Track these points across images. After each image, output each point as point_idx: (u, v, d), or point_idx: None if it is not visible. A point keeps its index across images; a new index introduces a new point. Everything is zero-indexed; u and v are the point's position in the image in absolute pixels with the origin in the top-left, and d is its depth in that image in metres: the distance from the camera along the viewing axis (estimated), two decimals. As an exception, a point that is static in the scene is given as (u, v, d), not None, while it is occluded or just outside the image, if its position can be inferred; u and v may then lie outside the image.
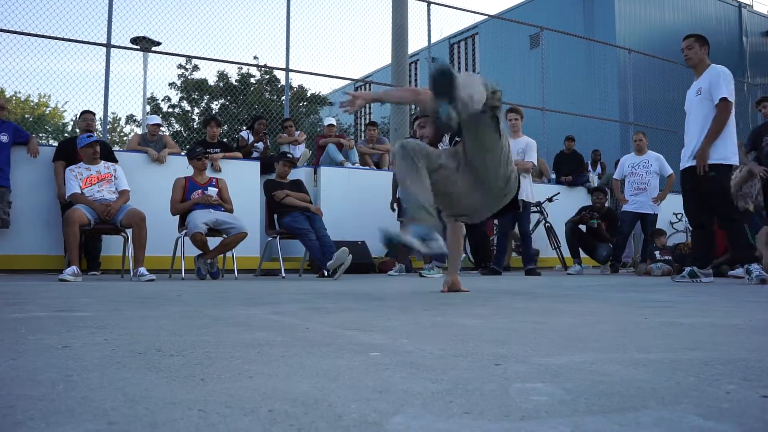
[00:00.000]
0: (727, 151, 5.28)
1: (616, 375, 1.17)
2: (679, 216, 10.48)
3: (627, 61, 14.34)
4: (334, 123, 9.82)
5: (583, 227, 8.75)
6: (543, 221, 9.31)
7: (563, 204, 9.58)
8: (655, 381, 1.11)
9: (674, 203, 9.40)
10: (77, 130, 7.51)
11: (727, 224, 5.38)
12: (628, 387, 1.05)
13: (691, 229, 5.75)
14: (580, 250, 8.58)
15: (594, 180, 11.32)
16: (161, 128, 8.60)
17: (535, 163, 7.87)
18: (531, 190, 7.71)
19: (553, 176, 11.26)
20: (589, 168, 11.82)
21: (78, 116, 7.84)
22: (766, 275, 5.03)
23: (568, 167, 11.06)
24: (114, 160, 6.70)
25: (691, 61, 5.53)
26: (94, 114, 7.43)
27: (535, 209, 8.96)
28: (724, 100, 5.23)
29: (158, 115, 20.88)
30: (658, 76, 16.04)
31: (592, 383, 1.08)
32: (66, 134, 6.84)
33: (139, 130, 22.21)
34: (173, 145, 8.14)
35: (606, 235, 8.59)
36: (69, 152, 6.89)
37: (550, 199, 9.34)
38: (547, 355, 1.41)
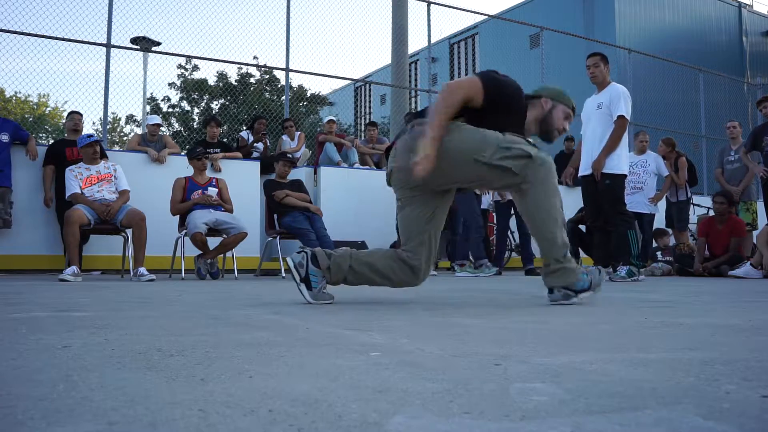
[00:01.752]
0: (621, 161, 5.80)
1: (616, 375, 1.17)
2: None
3: (627, 61, 14.33)
4: (334, 119, 9.81)
5: (583, 227, 8.74)
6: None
7: (564, 204, 9.57)
8: (655, 381, 1.11)
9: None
10: (66, 134, 7.51)
11: (614, 227, 5.79)
12: (628, 387, 1.05)
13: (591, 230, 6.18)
14: (580, 250, 8.58)
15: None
16: (161, 128, 8.60)
17: None
18: None
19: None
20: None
21: (66, 117, 7.85)
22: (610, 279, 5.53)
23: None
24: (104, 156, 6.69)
25: (596, 79, 5.97)
26: (81, 114, 7.42)
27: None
28: (621, 117, 5.73)
29: (158, 115, 20.90)
30: (657, 76, 16.04)
31: (592, 383, 1.08)
32: (65, 134, 6.85)
33: (139, 130, 22.22)
34: (173, 145, 8.13)
35: (606, 235, 8.58)
36: (58, 155, 6.89)
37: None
38: (547, 355, 1.41)
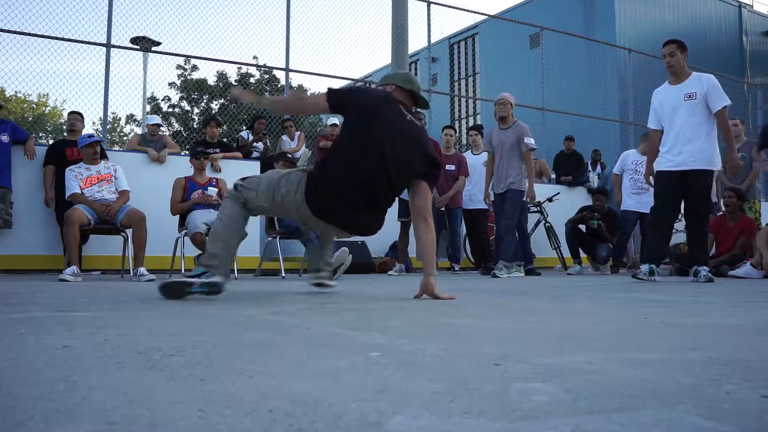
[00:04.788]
0: (718, 158, 5.60)
1: (616, 375, 1.17)
2: (679, 216, 10.47)
3: (627, 61, 14.33)
4: (337, 123, 9.79)
5: (583, 227, 8.75)
6: (543, 221, 9.31)
7: (563, 204, 9.58)
8: (656, 381, 1.11)
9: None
10: (66, 134, 7.52)
11: (702, 226, 5.67)
12: (628, 387, 1.05)
13: (657, 229, 5.91)
14: (580, 250, 8.59)
15: (594, 180, 11.31)
16: (161, 128, 8.59)
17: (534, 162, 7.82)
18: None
19: (553, 176, 11.26)
20: (589, 168, 11.82)
21: (66, 117, 7.86)
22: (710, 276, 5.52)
23: (568, 167, 11.06)
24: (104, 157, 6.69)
25: (674, 68, 5.67)
26: (81, 115, 7.42)
27: (535, 209, 8.96)
28: (725, 108, 5.45)
29: (158, 114, 20.88)
30: (658, 76, 15.98)
31: (592, 383, 1.08)
32: (65, 134, 6.86)
33: (139, 130, 22.23)
34: (173, 144, 8.14)
35: (606, 235, 8.58)
36: (58, 155, 6.90)
37: (550, 199, 9.34)
38: (547, 355, 1.41)
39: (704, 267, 5.56)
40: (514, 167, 6.82)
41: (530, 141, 6.85)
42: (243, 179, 3.43)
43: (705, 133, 5.49)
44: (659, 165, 5.75)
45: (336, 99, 3.34)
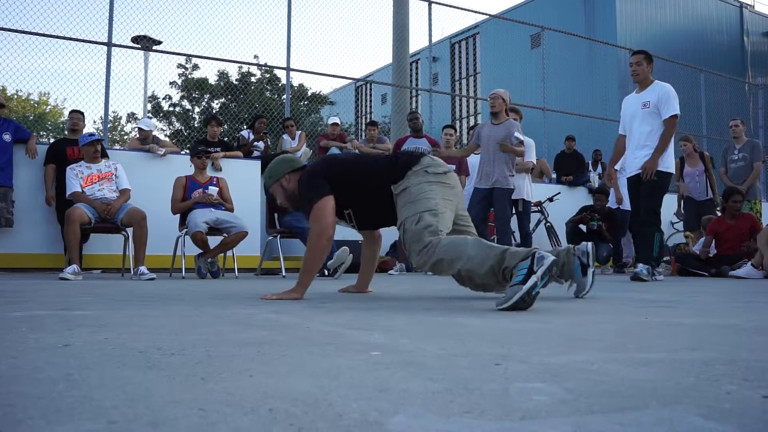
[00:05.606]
0: (671, 160, 5.83)
1: (617, 375, 1.16)
2: (680, 217, 10.47)
3: (628, 61, 14.31)
4: (338, 122, 9.79)
5: (583, 227, 8.75)
6: (543, 221, 9.31)
7: (564, 204, 9.58)
8: (656, 381, 1.10)
9: (673, 203, 9.41)
10: (66, 132, 7.52)
11: (644, 225, 5.80)
12: (629, 387, 1.05)
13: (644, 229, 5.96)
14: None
15: (595, 180, 11.31)
16: (152, 132, 8.51)
17: (534, 162, 7.83)
18: (530, 190, 7.69)
19: (554, 176, 11.26)
20: (590, 168, 11.81)
21: (67, 116, 7.88)
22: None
23: (568, 167, 11.06)
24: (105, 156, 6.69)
25: (639, 77, 5.93)
26: (82, 113, 7.42)
27: (535, 209, 8.96)
28: (674, 116, 5.68)
29: (155, 117, 20.89)
30: (658, 76, 16.02)
31: (592, 383, 1.08)
32: (65, 133, 6.87)
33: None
34: (171, 145, 8.16)
35: (607, 235, 8.59)
36: (59, 154, 6.90)
37: (550, 199, 9.34)
38: (547, 354, 1.41)
39: (645, 265, 5.69)
40: (500, 163, 6.76)
41: (518, 135, 6.83)
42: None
43: (658, 139, 5.71)
44: (626, 171, 6.10)
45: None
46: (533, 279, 2.44)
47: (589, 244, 3.37)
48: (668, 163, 5.76)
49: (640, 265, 5.71)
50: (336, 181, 3.27)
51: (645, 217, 5.76)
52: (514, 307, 2.45)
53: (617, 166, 8.50)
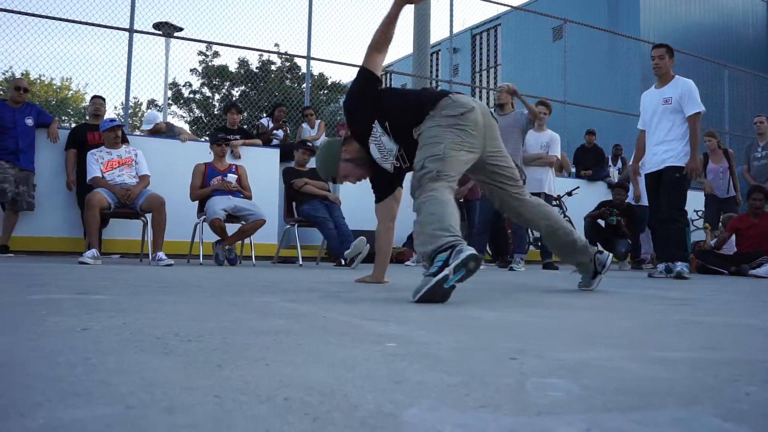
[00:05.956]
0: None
1: (634, 372, 1.16)
2: (699, 213, 10.36)
3: (651, 55, 14.15)
4: None
5: (602, 222, 8.69)
6: (562, 215, 9.26)
7: (583, 198, 9.52)
8: (673, 380, 1.09)
9: (695, 200, 9.30)
10: (87, 117, 7.59)
11: (674, 221, 5.71)
12: (646, 385, 1.04)
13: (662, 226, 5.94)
14: (599, 245, 8.52)
15: (614, 175, 11.22)
16: (160, 123, 8.61)
17: (559, 156, 7.80)
18: (553, 184, 7.69)
19: (573, 170, 11.18)
20: (610, 163, 11.72)
21: (89, 101, 7.96)
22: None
23: (588, 161, 10.98)
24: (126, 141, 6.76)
25: (660, 71, 5.85)
26: (104, 99, 7.50)
27: (554, 203, 8.91)
28: (698, 113, 5.63)
29: (177, 103, 20.96)
30: (682, 70, 15.84)
31: (608, 380, 1.07)
32: (87, 117, 6.92)
33: (160, 116, 22.35)
34: (185, 131, 8.28)
35: (625, 231, 8.52)
36: (80, 139, 6.97)
37: (569, 193, 9.28)
38: (563, 350, 1.40)
39: (682, 263, 5.59)
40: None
41: (525, 123, 6.97)
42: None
43: (680, 134, 5.67)
44: (644, 168, 6.03)
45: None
46: (445, 271, 2.40)
47: (609, 257, 3.44)
48: (685, 159, 5.66)
49: (680, 264, 5.56)
50: (371, 104, 3.33)
51: (670, 213, 5.67)
52: (425, 299, 2.42)
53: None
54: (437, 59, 22.14)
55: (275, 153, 8.36)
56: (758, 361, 1.32)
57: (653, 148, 5.81)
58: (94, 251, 5.45)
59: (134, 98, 28.42)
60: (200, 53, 22.33)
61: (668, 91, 5.76)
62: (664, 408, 0.89)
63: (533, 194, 3.52)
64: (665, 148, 5.68)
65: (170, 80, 21.23)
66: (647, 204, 8.27)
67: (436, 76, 20.51)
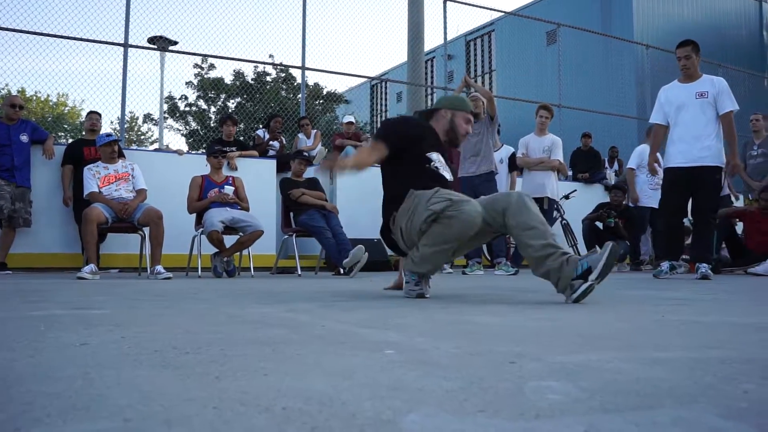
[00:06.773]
0: (722, 156, 5.70)
1: (632, 373, 1.16)
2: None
3: (644, 57, 14.22)
4: (353, 120, 9.79)
5: (600, 224, 8.70)
6: (560, 218, 9.26)
7: (580, 201, 9.52)
8: (672, 380, 1.10)
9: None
10: (84, 133, 7.61)
11: (708, 224, 5.68)
12: (645, 386, 1.04)
13: (667, 226, 5.93)
14: (597, 248, 8.52)
15: (611, 177, 11.24)
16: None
17: (561, 160, 7.82)
18: (556, 188, 7.73)
19: (570, 173, 11.20)
20: (606, 165, 11.74)
21: (84, 117, 7.99)
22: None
23: (584, 164, 11.00)
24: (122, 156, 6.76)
25: (689, 71, 5.80)
26: (99, 114, 7.52)
27: (554, 206, 8.92)
28: (732, 112, 5.62)
29: (173, 116, 20.98)
30: (675, 72, 15.87)
31: (607, 382, 1.08)
32: (83, 133, 6.93)
33: (156, 129, 22.36)
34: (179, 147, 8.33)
35: (623, 232, 8.52)
36: (76, 155, 6.98)
37: (566, 196, 9.29)
38: (562, 353, 1.40)
39: (705, 264, 5.56)
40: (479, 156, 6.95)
41: (489, 121, 7.01)
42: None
43: (714, 131, 5.62)
44: (668, 161, 5.85)
45: None
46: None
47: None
48: (722, 158, 5.67)
49: (704, 266, 5.52)
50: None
51: (706, 215, 5.61)
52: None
53: (633, 165, 8.47)
54: (432, 66, 22.18)
55: (272, 164, 8.36)
56: (756, 359, 1.32)
57: (686, 143, 5.64)
58: (92, 266, 5.44)
59: (130, 113, 28.47)
60: (195, 66, 22.36)
61: (701, 85, 5.70)
62: (663, 408, 0.89)
63: (535, 199, 3.57)
64: (701, 145, 5.57)
65: (166, 94, 21.28)
66: (646, 205, 8.32)
67: (431, 83, 20.53)
